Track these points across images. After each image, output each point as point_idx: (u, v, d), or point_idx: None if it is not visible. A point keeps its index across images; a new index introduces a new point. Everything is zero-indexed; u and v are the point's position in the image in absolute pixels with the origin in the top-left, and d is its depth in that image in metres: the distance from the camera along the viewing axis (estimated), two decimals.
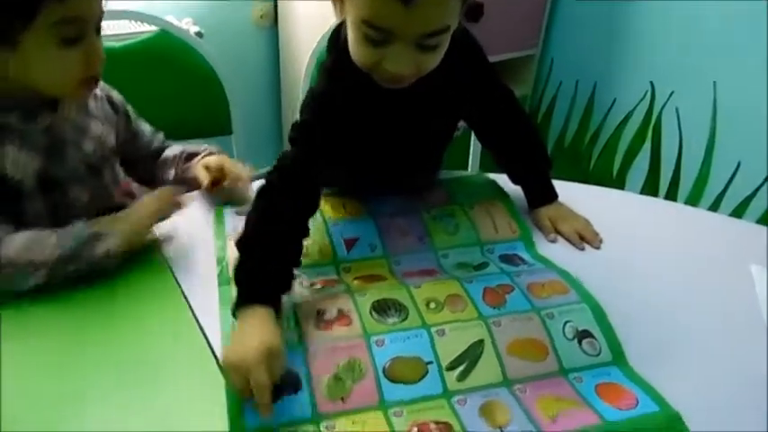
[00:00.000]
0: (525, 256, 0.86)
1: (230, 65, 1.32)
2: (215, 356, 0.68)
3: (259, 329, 0.63)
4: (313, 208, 0.77)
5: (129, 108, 0.98)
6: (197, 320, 0.73)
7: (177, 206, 0.84)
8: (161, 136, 1.03)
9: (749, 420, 0.64)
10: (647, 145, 2.00)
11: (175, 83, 1.28)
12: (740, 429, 0.63)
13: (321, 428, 0.60)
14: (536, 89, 2.24)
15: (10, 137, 0.76)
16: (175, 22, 1.34)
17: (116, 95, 0.95)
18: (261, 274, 0.68)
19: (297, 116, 0.80)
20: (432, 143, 0.94)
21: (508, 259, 0.85)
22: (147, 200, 0.83)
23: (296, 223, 0.74)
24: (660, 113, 1.94)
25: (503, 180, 1.00)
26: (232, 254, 0.77)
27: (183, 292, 0.77)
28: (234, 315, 0.67)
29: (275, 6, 2.00)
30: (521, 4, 2.06)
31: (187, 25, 1.76)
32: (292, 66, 2.00)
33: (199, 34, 1.70)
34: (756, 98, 1.68)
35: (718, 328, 0.77)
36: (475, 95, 0.90)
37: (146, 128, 1.02)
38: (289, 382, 0.63)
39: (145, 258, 0.81)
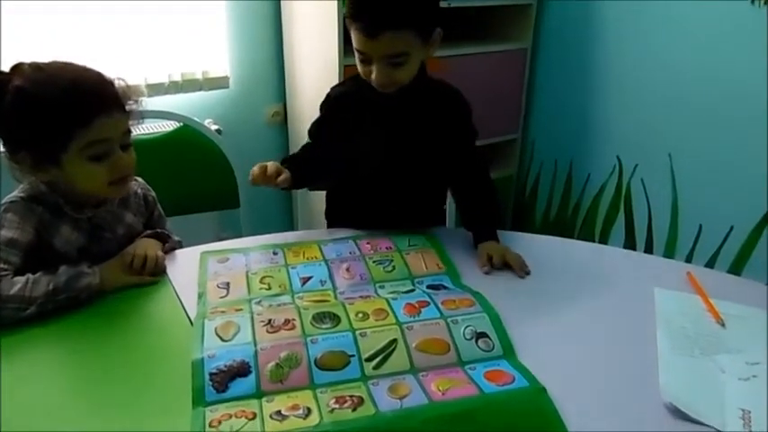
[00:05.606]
0: (449, 285, 1.05)
1: (244, 155, 1.59)
2: None
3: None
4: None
5: (159, 206, 1.24)
6: None
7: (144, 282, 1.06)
8: (172, 234, 1.24)
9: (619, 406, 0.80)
10: (622, 214, 2.17)
11: (194, 166, 1.57)
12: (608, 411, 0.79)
13: (263, 401, 0.79)
14: (521, 169, 2.47)
15: (65, 219, 1.04)
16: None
17: (151, 195, 1.23)
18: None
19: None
20: (413, 165, 1.23)
21: (433, 287, 1.04)
22: (122, 260, 1.06)
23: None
24: (629, 185, 2.13)
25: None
26: (211, 289, 1.02)
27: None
28: None
29: (285, 107, 2.34)
30: (501, 94, 2.34)
31: (209, 124, 2.07)
32: None
33: (218, 131, 2.01)
34: (710, 163, 1.87)
35: (610, 337, 0.94)
36: (451, 142, 1.21)
37: (166, 224, 1.25)
38: (240, 370, 0.83)
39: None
